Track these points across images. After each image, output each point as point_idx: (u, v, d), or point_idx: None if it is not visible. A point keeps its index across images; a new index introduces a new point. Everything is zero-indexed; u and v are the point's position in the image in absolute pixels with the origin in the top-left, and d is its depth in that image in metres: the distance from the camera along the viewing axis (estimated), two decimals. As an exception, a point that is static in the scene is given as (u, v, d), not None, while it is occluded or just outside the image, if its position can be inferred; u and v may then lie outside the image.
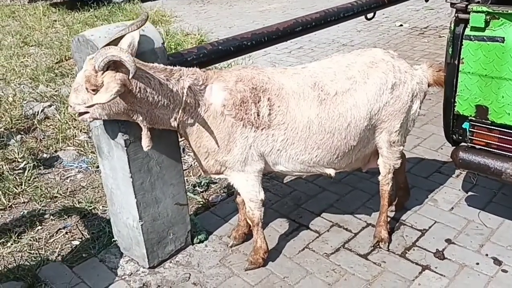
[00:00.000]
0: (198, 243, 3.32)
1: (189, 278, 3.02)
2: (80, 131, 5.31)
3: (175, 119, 2.62)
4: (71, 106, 2.55)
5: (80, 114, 2.56)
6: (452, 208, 3.58)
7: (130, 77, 2.31)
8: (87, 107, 2.44)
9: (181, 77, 2.57)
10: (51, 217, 3.85)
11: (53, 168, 4.63)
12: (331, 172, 2.90)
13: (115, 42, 2.40)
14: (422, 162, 4.23)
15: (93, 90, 2.39)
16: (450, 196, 3.71)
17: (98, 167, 4.59)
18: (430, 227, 3.38)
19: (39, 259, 3.27)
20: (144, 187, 2.87)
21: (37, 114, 5.64)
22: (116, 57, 2.28)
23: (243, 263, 3.10)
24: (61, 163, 4.75)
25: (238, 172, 2.79)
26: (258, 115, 2.65)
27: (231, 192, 3.99)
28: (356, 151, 2.87)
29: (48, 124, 5.51)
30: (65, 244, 3.51)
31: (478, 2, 2.69)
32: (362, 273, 2.99)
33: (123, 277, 3.06)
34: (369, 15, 4.52)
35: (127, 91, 2.41)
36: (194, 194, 3.98)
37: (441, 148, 4.44)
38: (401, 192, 3.49)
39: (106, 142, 2.82)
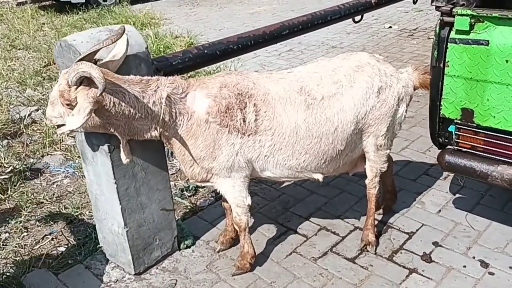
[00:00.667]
0: (185, 248, 3.29)
1: (176, 284, 2.99)
2: (67, 136, 5.26)
3: (155, 129, 2.59)
4: (48, 119, 2.53)
5: (58, 126, 2.53)
6: (440, 210, 3.58)
7: (98, 94, 2.27)
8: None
9: (158, 87, 2.53)
10: (37, 223, 3.81)
11: (40, 173, 4.58)
12: (319, 177, 2.89)
13: (91, 55, 2.37)
14: (410, 164, 4.23)
15: (68, 105, 2.37)
16: (438, 199, 3.72)
17: (85, 172, 4.58)
18: (417, 230, 3.38)
19: (24, 266, 3.23)
20: (129, 193, 2.85)
21: (24, 119, 5.59)
22: (86, 73, 2.25)
23: (230, 268, 3.08)
24: (47, 168, 4.70)
25: (224, 178, 2.76)
26: (244, 121, 2.63)
27: (219, 196, 3.94)
28: (343, 155, 2.86)
29: (35, 129, 5.45)
30: (50, 251, 3.47)
31: (463, 5, 2.70)
32: (349, 277, 2.98)
33: (108, 284, 3.03)
34: (357, 18, 4.52)
35: (101, 107, 2.38)
36: (182, 199, 3.96)
37: (429, 151, 4.44)
38: (389, 195, 3.49)
39: (89, 148, 2.79)
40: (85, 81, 2.32)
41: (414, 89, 2.98)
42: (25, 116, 5.67)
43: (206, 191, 4.09)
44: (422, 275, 2.97)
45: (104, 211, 2.99)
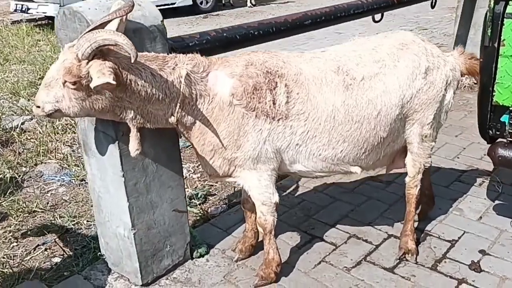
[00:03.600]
0: (199, 257, 2.89)
1: (190, 296, 2.58)
2: (63, 144, 4.88)
3: (172, 114, 2.24)
4: (38, 106, 2.11)
5: (49, 115, 2.14)
6: (481, 217, 3.22)
7: (132, 61, 1.92)
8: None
9: (176, 64, 2.20)
10: (29, 232, 3.39)
11: (33, 182, 4.18)
12: (357, 170, 2.54)
13: (103, 26, 2.02)
14: (439, 171, 3.88)
15: (74, 84, 1.99)
16: (476, 205, 3.36)
17: (82, 180, 4.18)
18: (459, 238, 3.01)
19: (13, 278, 2.81)
20: (138, 189, 2.47)
21: (17, 127, 5.21)
22: (110, 41, 1.91)
23: (252, 279, 2.69)
24: (41, 176, 4.30)
25: (249, 171, 2.40)
26: (274, 103, 2.28)
27: (232, 203, 3.59)
28: (385, 145, 2.52)
29: (29, 137, 5.07)
30: (43, 262, 3.05)
31: None
32: (390, 289, 2.60)
33: (111, 297, 2.62)
34: (377, 18, 4.28)
35: (116, 84, 2.00)
36: (191, 207, 3.56)
37: (458, 157, 4.11)
38: (425, 199, 3.13)
39: (93, 136, 2.42)
40: (99, 53, 1.98)
41: (461, 75, 2.66)
42: (17, 125, 5.30)
43: (217, 199, 3.71)
44: (473, 285, 2.59)
45: (108, 212, 2.60)
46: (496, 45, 2.43)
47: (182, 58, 2.23)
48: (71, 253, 3.09)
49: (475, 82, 5.81)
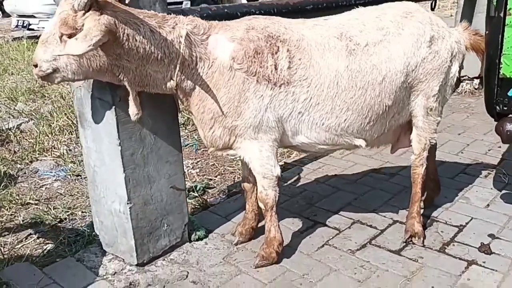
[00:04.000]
0: (197, 240, 2.77)
1: (187, 276, 2.46)
2: (60, 143, 4.79)
3: (172, 77, 2.18)
4: (36, 66, 2.06)
5: (47, 75, 2.07)
6: (488, 205, 3.12)
7: (127, 1, 1.88)
8: (56, 55, 1.97)
9: (176, 24, 2.15)
10: (22, 222, 3.28)
11: (27, 177, 4.08)
12: (362, 143, 2.45)
13: None
14: (444, 164, 3.79)
15: (70, 36, 1.93)
16: (483, 194, 3.26)
17: (78, 175, 4.08)
18: (467, 223, 2.91)
19: (3, 262, 2.68)
20: (135, 160, 2.38)
21: (13, 127, 5.14)
22: None
23: (252, 260, 2.57)
24: (36, 172, 4.20)
25: (250, 141, 2.32)
26: (275, 68, 2.22)
27: (232, 193, 3.49)
28: (390, 116, 2.44)
29: (25, 137, 4.99)
30: (35, 249, 2.92)
31: None
32: (397, 269, 2.48)
33: (105, 277, 2.49)
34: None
35: (113, 40, 1.97)
36: (190, 199, 3.45)
37: (462, 152, 4.03)
38: (431, 184, 3.03)
39: (90, 105, 2.35)
40: (95, 5, 1.92)
41: (466, 49, 2.60)
42: (14, 126, 5.24)
43: (216, 191, 3.60)
44: (484, 266, 2.48)
45: (103, 187, 2.50)
46: (502, 14, 2.38)
47: (183, 19, 2.18)
48: (64, 240, 2.98)
49: (476, 87, 5.79)
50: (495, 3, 2.40)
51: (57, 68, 2.04)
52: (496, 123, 2.62)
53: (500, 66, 2.46)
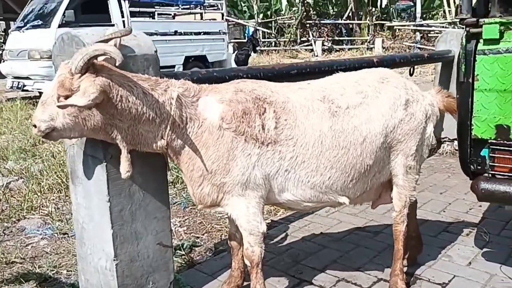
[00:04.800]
0: (182, 298, 2.78)
1: (172, 335, 2.45)
2: (48, 201, 4.81)
3: (162, 137, 2.28)
4: (35, 126, 2.17)
5: (47, 135, 2.19)
6: (470, 263, 3.18)
7: (117, 64, 2.03)
8: (58, 106, 2.09)
9: (168, 87, 2.29)
10: (5, 281, 3.25)
11: (14, 236, 4.07)
12: (345, 200, 2.54)
13: None
14: (426, 223, 3.87)
15: (66, 97, 2.07)
16: (465, 252, 3.33)
17: (65, 233, 4.08)
18: (450, 281, 2.96)
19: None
20: (123, 216, 2.43)
21: (2, 186, 5.16)
22: (100, 51, 2.02)
23: (238, 319, 2.57)
24: (23, 231, 4.20)
25: (238, 197, 2.39)
26: (263, 128, 2.34)
27: (218, 250, 3.51)
28: (371, 174, 2.55)
29: (14, 195, 5.00)
30: (18, 310, 2.90)
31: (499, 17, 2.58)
32: (381, 328, 2.50)
33: (88, 336, 2.47)
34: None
35: (107, 100, 2.10)
36: (176, 257, 3.47)
37: (444, 211, 4.14)
38: (413, 242, 3.09)
39: (82, 162, 2.43)
40: (92, 68, 2.07)
41: (439, 111, 2.77)
42: (3, 184, 5.26)
43: (203, 248, 3.63)
44: (467, 325, 2.51)
45: (90, 244, 2.53)
46: (470, 80, 2.57)
47: (174, 82, 2.32)
48: (48, 300, 2.96)
49: (456, 148, 5.98)
50: (463, 70, 2.60)
51: (55, 128, 2.15)
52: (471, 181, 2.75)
53: (472, 127, 2.62)
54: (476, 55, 2.54)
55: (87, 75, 2.05)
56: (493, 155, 2.60)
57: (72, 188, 2.57)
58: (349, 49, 23.18)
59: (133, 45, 2.37)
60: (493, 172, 2.62)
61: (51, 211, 4.51)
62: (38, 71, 11.38)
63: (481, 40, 2.53)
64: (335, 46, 23.60)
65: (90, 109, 2.09)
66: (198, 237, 3.84)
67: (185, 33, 13.21)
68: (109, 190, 2.35)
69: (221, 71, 2.96)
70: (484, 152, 2.64)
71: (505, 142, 2.53)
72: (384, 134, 2.50)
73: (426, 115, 2.64)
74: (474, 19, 2.53)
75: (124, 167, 2.25)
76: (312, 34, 24.27)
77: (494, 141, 2.57)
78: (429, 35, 21.48)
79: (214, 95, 2.38)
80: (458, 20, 2.60)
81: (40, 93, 12.56)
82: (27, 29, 11.81)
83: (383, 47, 21.39)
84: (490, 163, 2.62)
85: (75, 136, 2.25)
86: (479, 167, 2.69)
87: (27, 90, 12.27)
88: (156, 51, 2.48)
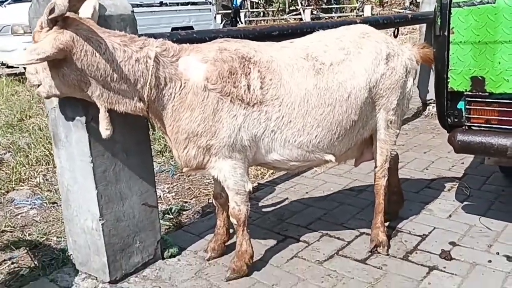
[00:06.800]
0: (170, 257, 2.84)
1: (159, 291, 2.52)
2: (37, 173, 4.84)
3: (141, 99, 2.26)
4: (28, 80, 2.26)
5: (38, 91, 2.26)
6: (450, 215, 3.27)
7: (54, 14, 1.97)
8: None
9: (145, 45, 2.24)
10: (-4, 248, 3.30)
11: (3, 207, 4.10)
12: (331, 158, 2.58)
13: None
14: (409, 180, 3.96)
15: None
16: (446, 206, 3.42)
17: (54, 203, 4.12)
18: (430, 233, 3.04)
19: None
20: (107, 177, 2.47)
21: (-10, 159, 5.18)
22: (52, 4, 1.98)
23: (223, 274, 2.64)
24: (12, 201, 4.23)
25: (224, 159, 2.40)
26: (248, 88, 2.33)
27: (205, 212, 3.58)
28: (356, 130, 2.59)
29: (2, 168, 5.02)
30: (9, 274, 2.95)
31: None
32: (362, 277, 2.58)
33: (77, 295, 2.54)
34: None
35: (71, 55, 2.07)
36: (164, 221, 3.52)
37: (427, 169, 4.21)
38: (395, 197, 3.17)
39: (63, 125, 2.45)
40: (60, 23, 2.05)
41: (417, 63, 2.80)
42: (-9, 157, 5.27)
43: (191, 212, 3.69)
44: (444, 271, 2.60)
45: (76, 205, 2.58)
46: (446, 33, 2.59)
47: (152, 41, 2.28)
48: (38, 265, 3.01)
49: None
50: (439, 23, 2.62)
51: (40, 82, 2.17)
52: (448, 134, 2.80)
53: (448, 80, 2.65)
54: (451, 8, 2.55)
55: (54, 28, 2.05)
56: (469, 107, 2.64)
57: (56, 151, 2.60)
58: (338, 17, 22.97)
59: (108, 4, 2.36)
60: (469, 124, 2.67)
61: (40, 182, 4.53)
62: (22, 46, 11.20)
63: (456, -8, 2.54)
64: (324, 15, 23.39)
65: (61, 65, 2.09)
66: (186, 202, 3.90)
67: (171, 4, 13.00)
68: (91, 151, 2.38)
69: (201, 32, 2.96)
70: (461, 104, 2.68)
71: (480, 93, 2.56)
72: (367, 89, 2.53)
73: (406, 69, 2.67)
74: (449, -28, 2.53)
75: (103, 126, 2.23)
76: (301, 3, 24.00)
77: (469, 93, 2.60)
78: (417, 0, 21.32)
79: (196, 55, 2.35)
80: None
81: (25, 69, 12.43)
82: (8, 3, 11.59)
83: (372, 14, 21.23)
84: (466, 115, 2.67)
85: (57, 94, 2.25)
86: (456, 120, 2.73)
87: (12, 67, 12.11)
88: (132, 11, 2.47)
